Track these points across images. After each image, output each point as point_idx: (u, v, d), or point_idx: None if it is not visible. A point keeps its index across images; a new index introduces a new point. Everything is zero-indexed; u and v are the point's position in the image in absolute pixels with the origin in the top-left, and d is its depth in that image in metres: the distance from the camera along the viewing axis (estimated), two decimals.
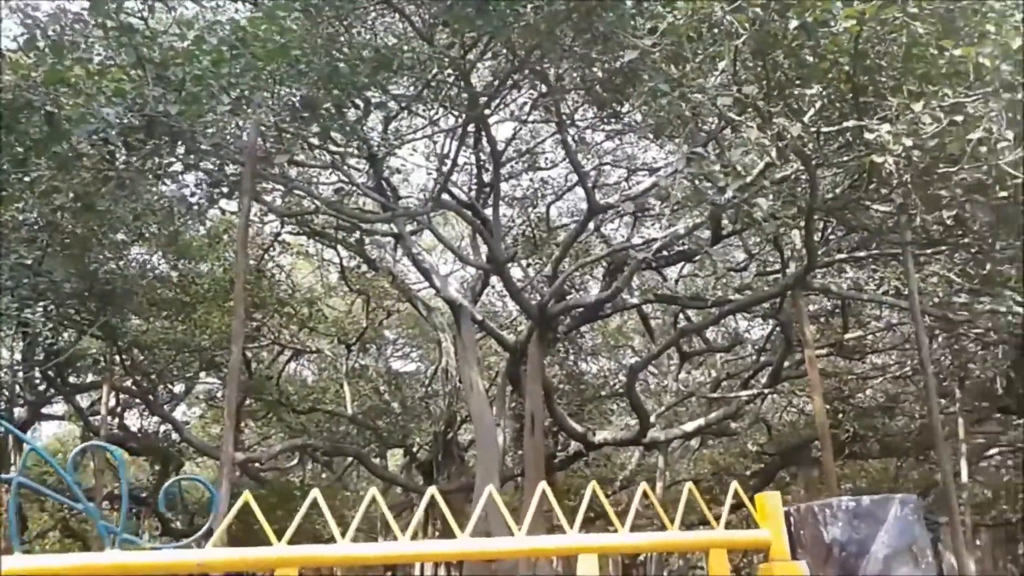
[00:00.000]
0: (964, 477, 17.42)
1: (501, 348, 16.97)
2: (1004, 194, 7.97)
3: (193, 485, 19.84)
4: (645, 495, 3.20)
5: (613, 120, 14.88)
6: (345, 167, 13.68)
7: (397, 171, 15.14)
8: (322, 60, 9.70)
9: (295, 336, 19.90)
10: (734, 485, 3.38)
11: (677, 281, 18.42)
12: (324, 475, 23.68)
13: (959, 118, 7.44)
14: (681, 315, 18.04)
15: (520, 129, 16.78)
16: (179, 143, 10.40)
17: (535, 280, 17.08)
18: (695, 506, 3.24)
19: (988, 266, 9.99)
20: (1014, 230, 8.94)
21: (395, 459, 25.25)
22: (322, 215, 15.35)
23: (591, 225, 16.48)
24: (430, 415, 20.05)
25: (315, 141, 12.05)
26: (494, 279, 16.57)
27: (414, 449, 20.78)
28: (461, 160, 16.24)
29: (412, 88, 12.78)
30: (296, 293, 18.73)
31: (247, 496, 2.68)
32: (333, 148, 12.85)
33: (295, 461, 22.73)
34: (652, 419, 15.64)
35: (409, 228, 15.39)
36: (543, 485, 3.23)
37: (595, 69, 11.49)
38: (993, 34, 7.87)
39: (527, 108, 14.94)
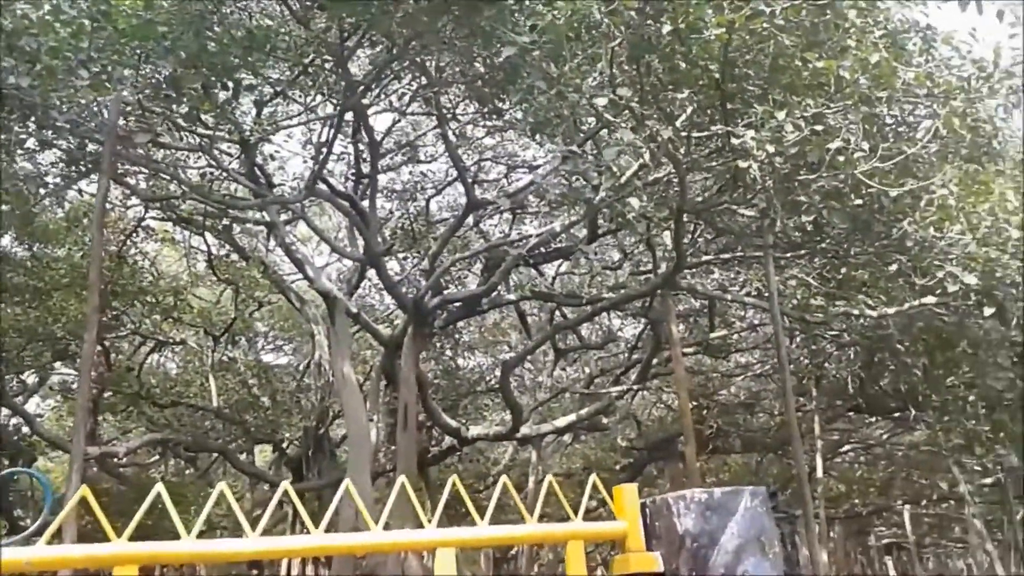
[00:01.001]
0: (819, 472, 18.37)
1: (376, 342, 16.75)
2: (859, 202, 8.41)
3: (47, 480, 18.65)
4: (505, 488, 3.18)
5: (494, 116, 14.89)
6: (215, 151, 13.17)
7: (271, 157, 14.70)
8: (190, 38, 9.29)
9: (158, 327, 19.06)
10: (593, 478, 3.41)
11: (554, 278, 18.64)
12: (188, 471, 22.80)
13: (819, 128, 7.81)
14: (557, 312, 18.28)
15: (400, 121, 16.60)
16: (32, 118, 9.77)
17: (412, 274, 16.95)
18: (569, 499, 3.26)
19: (843, 271, 10.53)
20: (868, 237, 9.44)
21: (264, 455, 24.58)
22: (190, 201, 14.74)
23: (470, 220, 16.47)
24: (301, 409, 19.61)
25: (182, 122, 11.54)
26: (371, 272, 16.33)
27: (283, 444, 20.27)
28: (339, 150, 15.93)
29: (288, 73, 12.42)
30: (160, 281, 17.94)
31: (84, 491, 2.49)
32: (202, 131, 12.36)
33: (156, 456, 21.78)
34: (526, 414, 15.78)
35: (283, 217, 14.97)
36: (402, 479, 3.16)
37: (476, 64, 11.46)
38: (853, 49, 8.29)
39: (407, 100, 14.77)
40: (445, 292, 15.80)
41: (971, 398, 12.20)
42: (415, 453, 13.32)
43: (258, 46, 9.89)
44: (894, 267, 9.33)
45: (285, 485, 3.01)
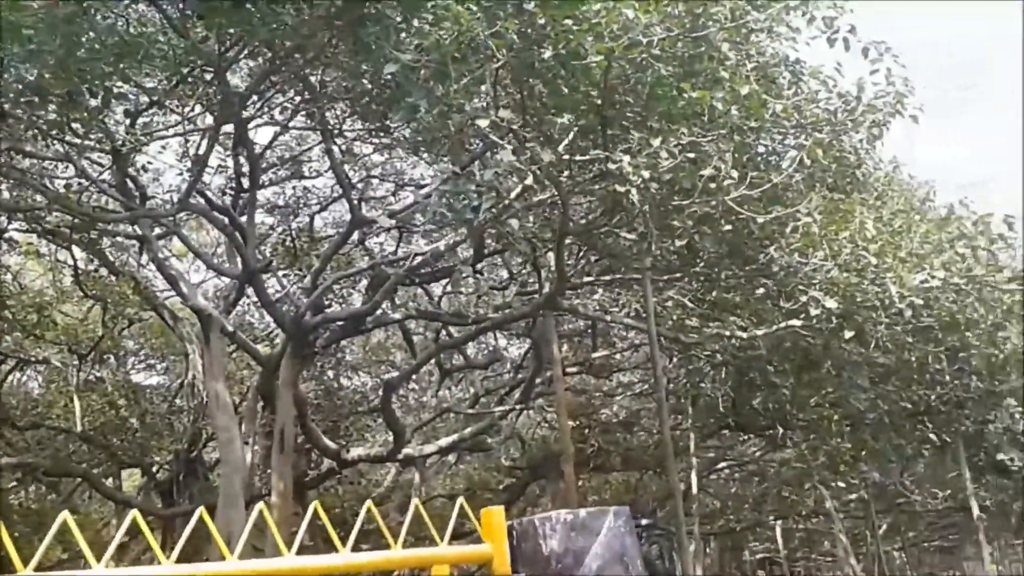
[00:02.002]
0: (695, 489, 18.83)
1: (254, 361, 16.26)
2: (729, 227, 8.73)
3: None
4: (369, 512, 3.11)
5: (382, 134, 14.78)
6: (84, 161, 12.56)
7: (144, 169, 14.11)
8: (57, 43, 8.84)
9: (20, 344, 17.97)
10: (460, 501, 3.38)
11: (441, 298, 18.59)
12: (50, 496, 21.48)
13: (693, 155, 8.07)
14: (443, 332, 18.21)
15: (282, 135, 16.26)
16: None
17: (293, 292, 16.57)
18: (458, 520, 3.22)
19: (716, 293, 10.89)
20: (738, 261, 9.80)
21: (134, 479, 23.43)
22: (56, 212, 13.98)
23: (355, 238, 16.25)
24: (172, 432, 18.81)
25: (48, 130, 10.97)
26: (251, 289, 15.87)
27: (153, 468, 19.38)
28: (218, 162, 15.47)
29: (164, 82, 11.99)
30: (23, 296, 16.94)
31: None
32: (71, 139, 11.77)
33: (14, 483, 20.44)
34: (408, 435, 15.61)
35: (157, 231, 14.39)
36: (260, 506, 3.05)
37: (363, 80, 11.35)
38: (727, 80, 8.62)
39: (289, 113, 14.49)
40: (328, 311, 15.51)
41: (835, 417, 12.81)
42: (290, 476, 12.94)
43: (131, 53, 9.50)
44: (762, 290, 9.72)
45: (134, 513, 2.87)
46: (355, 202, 14.72)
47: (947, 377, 14.02)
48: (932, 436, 15.35)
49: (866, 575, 24.96)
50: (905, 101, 10.20)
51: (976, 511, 17.36)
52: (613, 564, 3.35)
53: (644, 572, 3.55)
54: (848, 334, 9.28)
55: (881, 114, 10.56)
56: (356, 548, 2.98)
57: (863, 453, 14.99)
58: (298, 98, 13.56)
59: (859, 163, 11.39)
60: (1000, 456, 17.93)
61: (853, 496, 21.84)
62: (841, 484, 17.28)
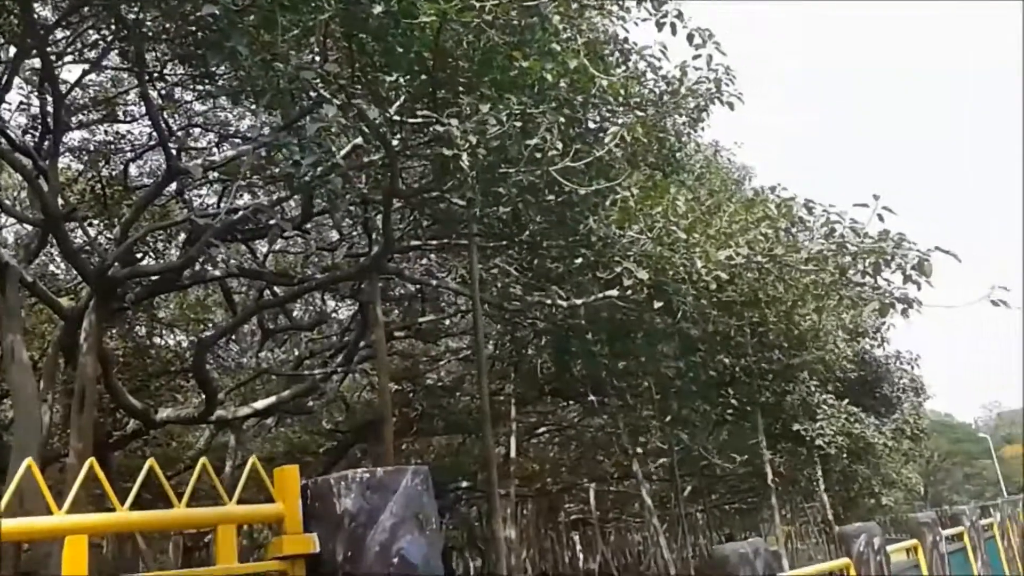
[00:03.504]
0: (514, 452, 19.33)
1: (57, 315, 15.15)
2: (552, 198, 8.92)
3: None
4: (152, 470, 2.97)
5: (206, 81, 14.02)
6: None
7: None
8: None
9: None
10: (252, 459, 3.29)
11: (266, 256, 17.98)
12: None
13: (520, 124, 8.17)
14: (267, 291, 17.65)
15: (94, 74, 15.10)
16: None
17: (101, 243, 15.52)
18: (261, 483, 3.12)
19: (539, 262, 11.13)
20: (560, 231, 10.05)
21: None
22: None
23: (173, 189, 15.37)
24: None
25: None
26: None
27: None
28: (19, 100, 14.23)
29: None
30: None
31: None
32: None
33: None
34: (222, 396, 15.06)
35: None
36: (27, 463, 2.85)
37: (179, 21, 10.69)
38: (558, 53, 8.76)
39: (101, 51, 13.46)
40: (140, 264, 14.65)
41: (646, 385, 13.46)
42: (91, 436, 12.19)
43: None
44: (581, 260, 10.02)
45: None
46: (173, 151, 13.90)
47: (749, 350, 15.05)
48: (734, 404, 16.44)
49: (670, 534, 26.53)
50: (724, 88, 10.74)
51: (771, 476, 18.81)
52: (407, 522, 3.36)
53: (440, 531, 3.59)
54: (657, 304, 9.73)
55: (702, 99, 11.06)
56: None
57: (670, 419, 15.84)
58: (111, 36, 12.62)
59: (679, 146, 11.92)
60: (795, 426, 19.51)
61: (663, 460, 23.10)
62: (649, 448, 18.23)
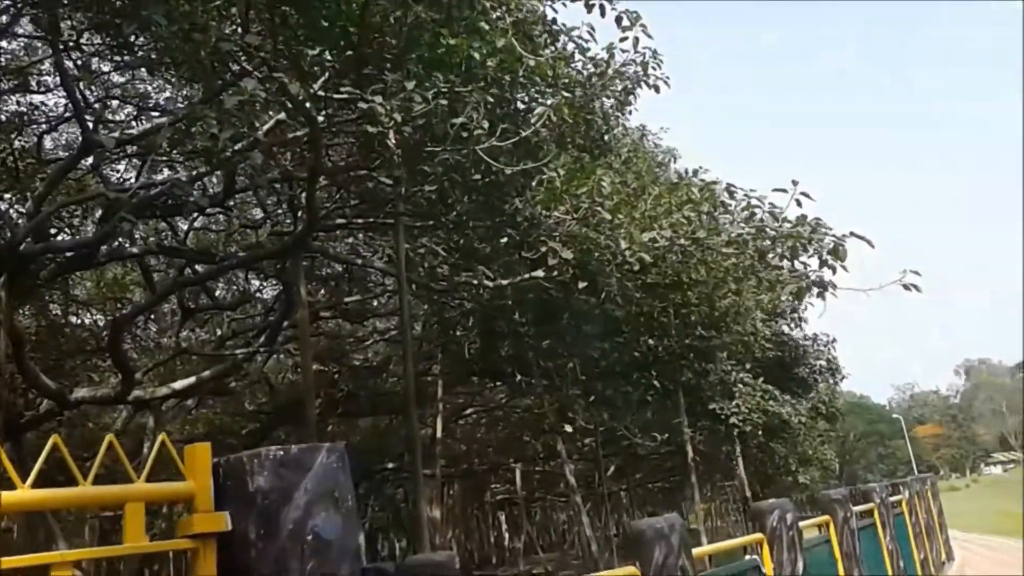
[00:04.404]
0: (439, 433, 19.35)
1: None
2: (479, 177, 8.90)
3: None
4: (56, 447, 2.88)
5: (124, 51, 13.53)
6: None
7: None
8: None
9: None
10: (161, 436, 3.22)
11: (187, 234, 17.52)
12: None
13: (446, 103, 8.11)
14: (188, 270, 17.20)
15: (8, 42, 14.46)
16: None
17: (12, 216, 14.89)
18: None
19: (465, 242, 11.10)
20: (486, 211, 10.04)
21: None
22: None
23: (89, 162, 14.83)
24: None
25: None
26: None
27: None
28: None
29: None
30: None
31: None
32: None
33: None
34: (139, 376, 14.66)
35: None
36: None
37: None
38: (486, 32, 8.72)
39: (11, 17, 12.86)
40: (54, 240, 14.11)
41: (570, 365, 13.59)
42: (1, 417, 11.75)
43: None
44: (507, 240, 10.04)
45: None
46: (89, 123, 13.38)
47: (672, 331, 15.31)
48: (657, 384, 16.73)
49: (593, 512, 26.95)
50: (650, 71, 10.83)
51: (691, 454, 19.23)
52: (323, 499, 3.33)
53: (355, 508, 3.57)
54: (582, 285, 9.82)
55: (629, 82, 11.14)
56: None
57: (594, 400, 16.02)
58: (21, 2, 12.07)
59: (606, 128, 11.99)
60: (713, 405, 19.99)
61: (589, 440, 23.39)
62: (574, 428, 18.42)
